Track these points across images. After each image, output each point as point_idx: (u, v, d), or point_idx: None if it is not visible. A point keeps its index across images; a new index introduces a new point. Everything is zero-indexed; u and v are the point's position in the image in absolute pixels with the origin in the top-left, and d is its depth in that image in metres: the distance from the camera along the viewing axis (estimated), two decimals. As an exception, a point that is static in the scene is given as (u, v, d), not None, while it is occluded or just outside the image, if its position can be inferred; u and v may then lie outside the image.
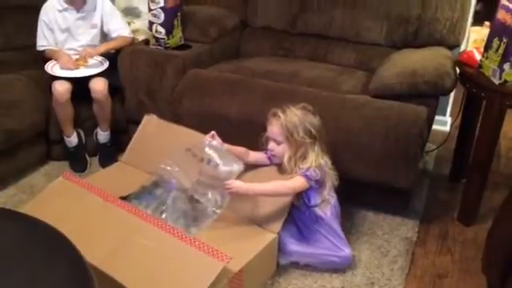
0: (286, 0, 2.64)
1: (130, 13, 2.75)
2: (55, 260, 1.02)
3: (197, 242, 1.49)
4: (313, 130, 1.74)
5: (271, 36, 2.73)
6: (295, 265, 1.79)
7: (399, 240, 1.96)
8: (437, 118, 2.35)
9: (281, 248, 1.74)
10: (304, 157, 1.75)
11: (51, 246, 1.06)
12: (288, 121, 1.73)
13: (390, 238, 1.97)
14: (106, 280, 1.40)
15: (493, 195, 2.21)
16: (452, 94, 2.93)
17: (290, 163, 1.76)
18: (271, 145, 1.79)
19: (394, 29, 2.45)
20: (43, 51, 2.45)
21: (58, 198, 1.78)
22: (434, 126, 2.38)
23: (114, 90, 2.40)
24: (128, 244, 1.54)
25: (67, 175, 1.86)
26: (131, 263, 1.48)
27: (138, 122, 2.17)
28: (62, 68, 2.32)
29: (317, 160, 1.74)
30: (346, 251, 1.77)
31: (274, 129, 1.77)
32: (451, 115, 2.94)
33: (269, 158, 1.86)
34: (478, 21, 2.41)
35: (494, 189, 2.26)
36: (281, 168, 1.81)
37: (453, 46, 2.37)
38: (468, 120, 2.25)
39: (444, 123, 2.92)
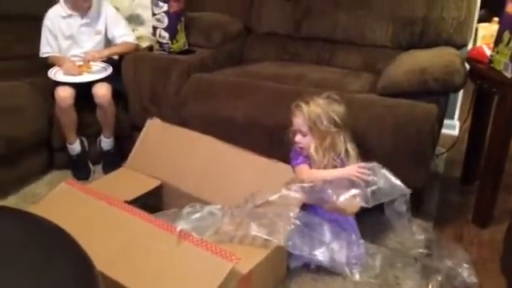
0: (290, 5, 2.62)
1: (133, 20, 2.74)
2: (59, 257, 0.98)
3: (204, 243, 1.43)
4: (337, 119, 1.72)
5: (276, 41, 2.71)
6: (306, 268, 1.72)
7: (413, 242, 1.89)
8: (445, 121, 2.30)
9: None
10: (333, 147, 1.74)
11: (55, 243, 1.03)
12: (310, 110, 1.73)
13: (403, 240, 1.90)
14: (111, 283, 1.35)
15: (507, 197, 2.15)
16: (460, 98, 2.89)
17: (318, 154, 1.74)
18: (298, 137, 1.78)
19: (399, 30, 2.42)
20: (47, 58, 2.43)
21: (60, 204, 1.73)
22: (443, 130, 2.32)
23: (118, 96, 2.37)
24: (134, 246, 1.48)
25: (70, 181, 1.82)
26: (137, 265, 1.43)
27: (141, 129, 2.14)
28: (65, 74, 2.29)
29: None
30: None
31: (298, 120, 1.77)
32: (459, 119, 2.90)
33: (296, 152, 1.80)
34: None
35: (508, 191, 2.20)
36: (308, 160, 1.77)
37: (460, 45, 2.34)
38: (478, 120, 2.21)
39: (453, 127, 2.87)
